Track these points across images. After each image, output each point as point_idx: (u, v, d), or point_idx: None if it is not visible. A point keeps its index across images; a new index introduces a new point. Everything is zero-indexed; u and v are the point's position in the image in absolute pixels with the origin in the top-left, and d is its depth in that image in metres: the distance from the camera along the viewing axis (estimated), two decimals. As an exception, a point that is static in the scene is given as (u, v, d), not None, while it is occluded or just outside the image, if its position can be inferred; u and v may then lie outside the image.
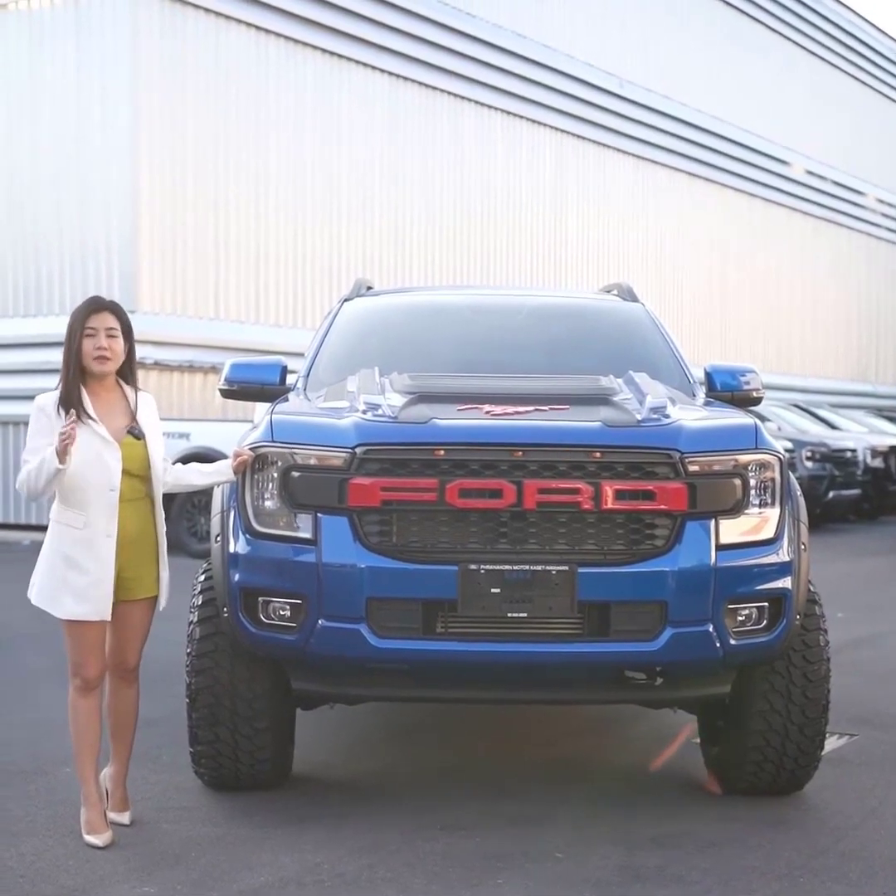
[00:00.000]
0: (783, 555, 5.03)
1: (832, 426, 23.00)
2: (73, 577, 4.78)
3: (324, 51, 19.54)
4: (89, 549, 4.78)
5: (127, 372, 5.01)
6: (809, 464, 18.76)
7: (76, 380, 4.84)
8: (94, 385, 4.90)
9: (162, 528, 5.03)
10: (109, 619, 4.85)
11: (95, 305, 4.92)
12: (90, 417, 4.81)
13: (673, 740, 6.35)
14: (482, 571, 4.77)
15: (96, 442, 4.79)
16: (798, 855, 4.79)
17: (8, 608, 10.18)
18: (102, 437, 4.81)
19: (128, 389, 5.01)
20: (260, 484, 5.04)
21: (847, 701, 7.09)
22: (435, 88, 21.65)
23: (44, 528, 4.99)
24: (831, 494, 19.18)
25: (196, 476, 5.15)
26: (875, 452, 21.11)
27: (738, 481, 4.95)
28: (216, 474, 5.14)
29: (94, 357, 4.85)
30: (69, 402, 4.78)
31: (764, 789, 5.46)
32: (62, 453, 4.61)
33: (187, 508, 14.28)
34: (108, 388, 4.95)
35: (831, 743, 6.27)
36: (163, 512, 5.05)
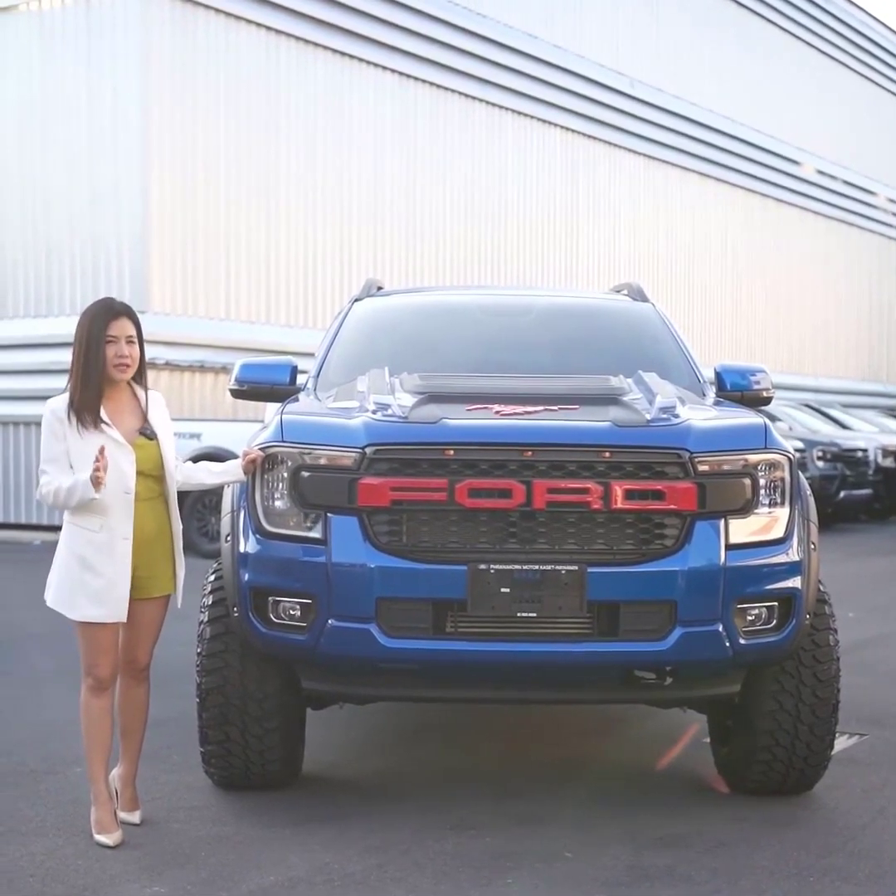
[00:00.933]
0: (793, 554, 5.02)
1: (843, 426, 22.97)
2: (89, 579, 4.78)
3: (334, 51, 19.55)
4: (105, 551, 4.78)
5: (137, 373, 4.99)
6: (820, 463, 18.74)
7: (98, 389, 4.81)
8: (106, 388, 4.89)
9: (178, 527, 5.03)
10: (125, 620, 4.86)
11: (113, 312, 4.88)
12: (103, 422, 4.81)
13: (679, 740, 6.34)
14: (492, 571, 4.77)
15: (110, 445, 4.79)
16: (807, 854, 4.79)
17: (18, 608, 10.21)
18: (115, 441, 4.81)
19: (138, 390, 5.02)
20: (270, 484, 5.05)
21: (857, 701, 7.09)
22: (445, 88, 21.66)
23: (55, 528, 5.00)
24: (842, 494, 19.16)
25: (206, 475, 5.15)
26: (886, 452, 21.07)
27: (747, 481, 4.95)
28: (226, 474, 5.14)
29: (115, 365, 4.85)
30: (86, 410, 4.77)
31: (773, 789, 5.46)
32: (97, 484, 4.63)
33: (198, 508, 14.30)
34: (119, 391, 4.94)
35: (841, 743, 6.27)
36: (178, 510, 5.06)
